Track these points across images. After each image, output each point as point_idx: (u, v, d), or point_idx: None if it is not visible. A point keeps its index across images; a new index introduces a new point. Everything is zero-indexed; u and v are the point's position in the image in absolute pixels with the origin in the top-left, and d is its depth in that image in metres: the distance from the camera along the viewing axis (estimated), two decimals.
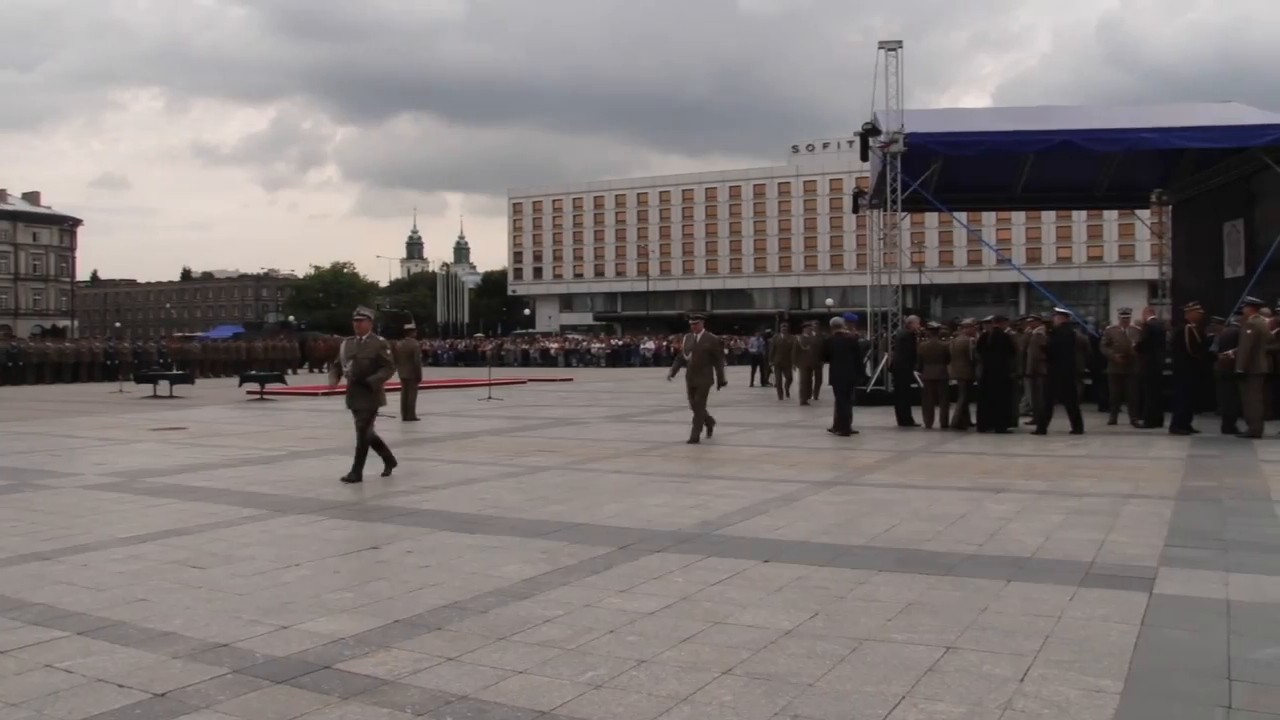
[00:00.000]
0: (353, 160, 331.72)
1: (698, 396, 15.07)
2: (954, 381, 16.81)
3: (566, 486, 10.76)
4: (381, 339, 11.89)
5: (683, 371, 15.42)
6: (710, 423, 15.39)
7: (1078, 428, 15.54)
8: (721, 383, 15.18)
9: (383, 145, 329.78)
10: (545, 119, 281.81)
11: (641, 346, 61.40)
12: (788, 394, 25.07)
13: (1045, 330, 16.38)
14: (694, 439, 14.89)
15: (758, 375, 32.18)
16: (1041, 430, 15.60)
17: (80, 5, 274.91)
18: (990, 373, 15.94)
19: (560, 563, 6.99)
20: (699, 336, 15.21)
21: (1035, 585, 6.21)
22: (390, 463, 11.71)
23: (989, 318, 16.79)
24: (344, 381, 11.47)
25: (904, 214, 23.69)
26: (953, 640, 5.11)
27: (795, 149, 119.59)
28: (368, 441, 11.35)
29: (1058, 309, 16.97)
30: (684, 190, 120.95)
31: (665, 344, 61.44)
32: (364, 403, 11.32)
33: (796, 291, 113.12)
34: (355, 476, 11.15)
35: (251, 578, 6.67)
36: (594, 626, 5.43)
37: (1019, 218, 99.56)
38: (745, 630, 5.33)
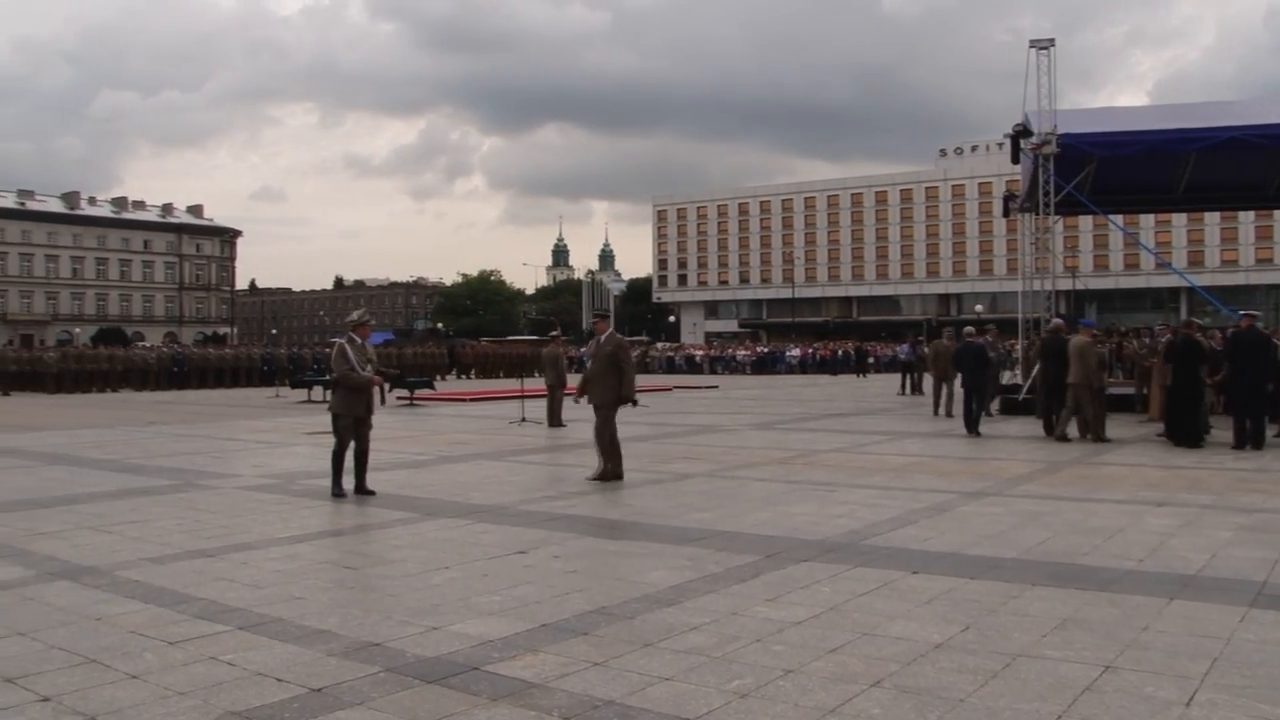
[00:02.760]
0: (499, 170, 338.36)
1: (599, 419, 11.83)
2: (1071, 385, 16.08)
3: (712, 494, 10.74)
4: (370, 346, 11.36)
5: None
6: (613, 458, 11.79)
7: (1256, 441, 14.49)
8: (628, 398, 11.97)
9: (528, 155, 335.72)
10: (688, 126, 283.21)
11: (787, 354, 61.03)
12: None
13: (1221, 336, 15.44)
14: (601, 475, 11.66)
15: (908, 383, 31.62)
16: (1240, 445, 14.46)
17: (237, 27, 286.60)
18: (1181, 382, 14.95)
19: (706, 570, 6.97)
20: (602, 338, 12.11)
21: (1200, 605, 5.94)
22: (338, 487, 10.73)
23: (1181, 323, 16.05)
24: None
25: (1057, 217, 23.06)
26: (1111, 659, 4.92)
27: (943, 152, 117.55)
28: (363, 450, 10.94)
29: (1244, 311, 16.14)
30: (829, 196, 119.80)
31: (811, 351, 60.98)
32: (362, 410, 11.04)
33: (944, 298, 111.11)
34: (359, 486, 10.76)
35: (402, 579, 6.81)
36: (740, 635, 5.39)
37: (1180, 219, 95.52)
38: (894, 642, 5.23)
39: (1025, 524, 8.69)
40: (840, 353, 58.46)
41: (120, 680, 4.78)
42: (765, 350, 64.70)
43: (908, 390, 31.12)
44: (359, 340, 11.01)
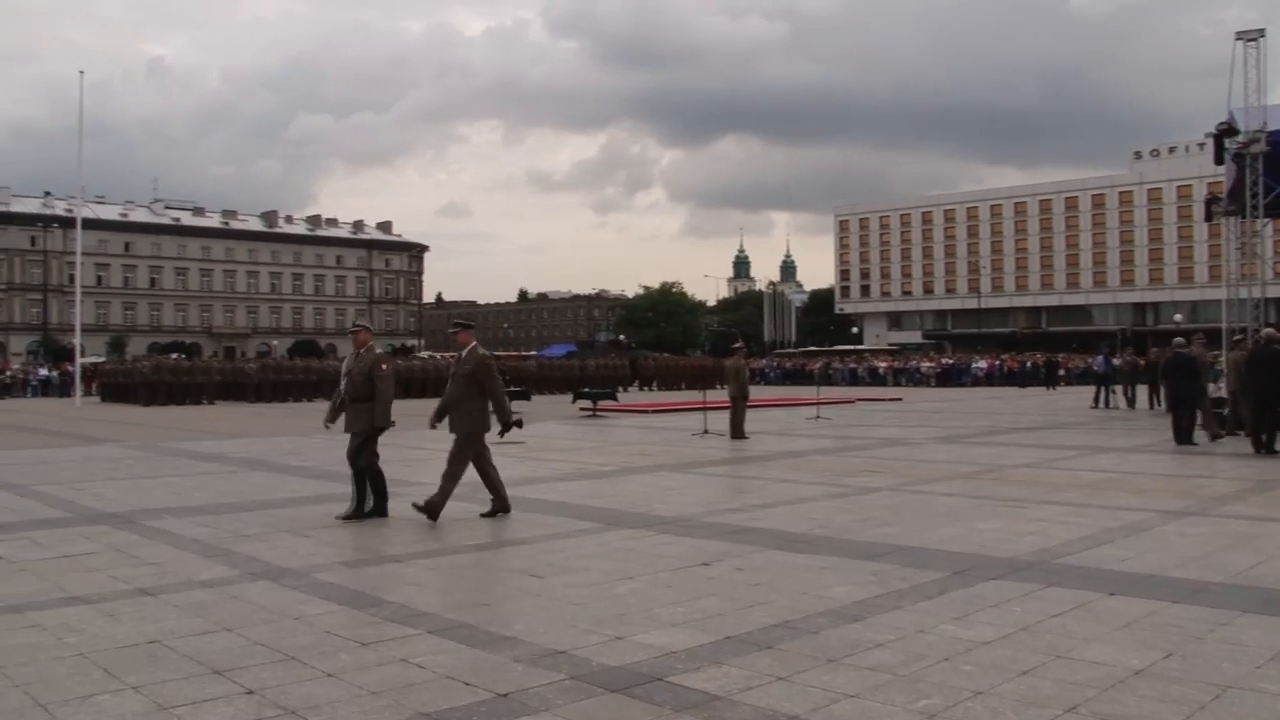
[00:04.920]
0: (679, 182, 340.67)
1: (455, 445, 10.06)
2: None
3: (896, 508, 10.54)
4: (380, 352, 10.30)
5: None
6: (448, 494, 9.85)
7: None
8: (504, 423, 10.15)
9: (708, 167, 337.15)
10: (869, 135, 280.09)
11: (973, 365, 59.53)
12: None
13: None
14: (429, 505, 9.72)
15: (1103, 395, 30.45)
16: None
17: (426, 49, 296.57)
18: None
19: (891, 586, 6.84)
20: (464, 353, 10.16)
21: None
22: (382, 497, 10.12)
23: None
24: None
25: (1265, 220, 21.88)
26: None
27: (1138, 155, 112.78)
28: (363, 470, 10.06)
29: None
30: (1016, 203, 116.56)
31: (998, 362, 59.36)
32: (360, 424, 10.08)
33: (1140, 307, 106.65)
34: (358, 512, 10.00)
35: (586, 588, 6.88)
36: (927, 653, 5.27)
37: None
38: (1089, 667, 5.02)
39: (1233, 546, 8.25)
40: (1029, 364, 56.77)
41: (317, 678, 4.97)
42: (950, 362, 63.25)
43: (1102, 403, 29.98)
44: (357, 350, 10.23)
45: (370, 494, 10.08)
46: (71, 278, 69.59)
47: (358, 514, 9.97)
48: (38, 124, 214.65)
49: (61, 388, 48.60)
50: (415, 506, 9.73)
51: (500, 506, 10.13)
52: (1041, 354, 62.82)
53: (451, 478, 9.87)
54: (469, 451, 10.00)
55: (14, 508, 11.05)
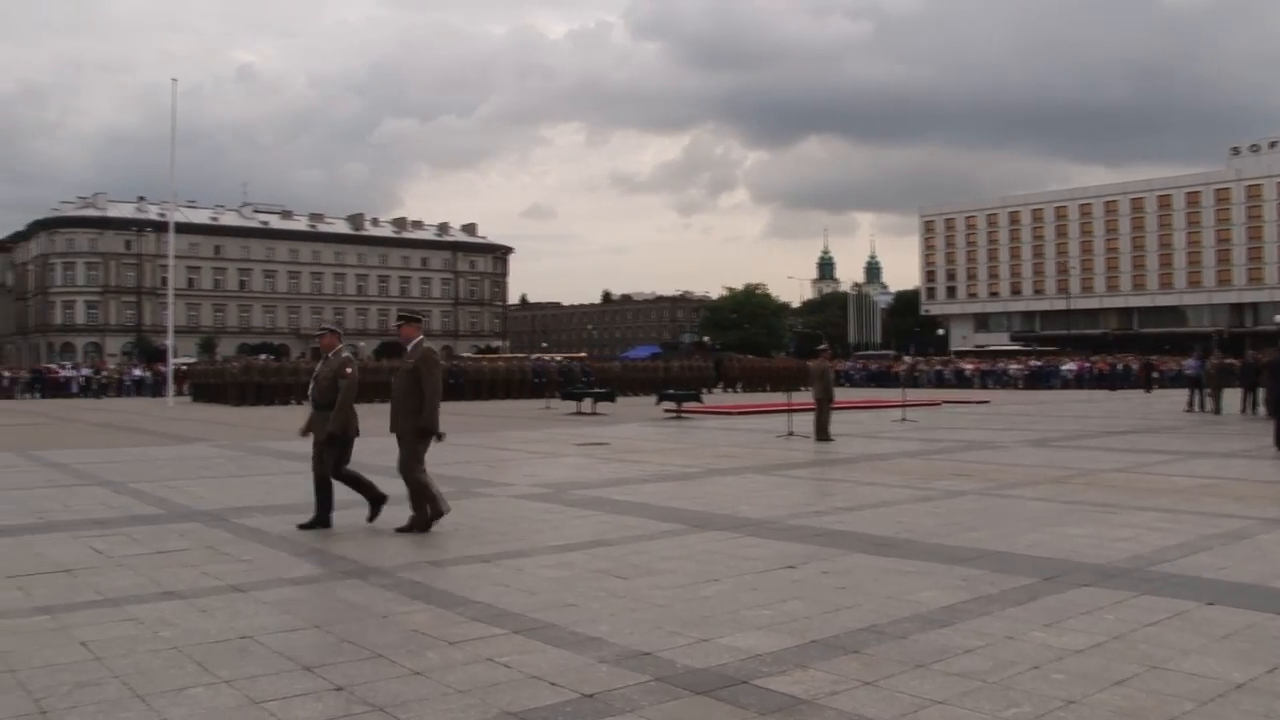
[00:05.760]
0: (763, 183, 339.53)
1: (402, 450, 9.42)
2: None
3: (984, 512, 10.39)
4: (346, 354, 9.73)
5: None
6: (423, 502, 9.36)
7: None
8: (428, 430, 9.29)
9: (791, 167, 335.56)
10: (954, 134, 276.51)
11: (1062, 368, 58.43)
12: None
13: None
14: (411, 524, 9.35)
15: (1197, 399, 29.73)
16: None
17: (508, 52, 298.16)
18: None
19: (980, 591, 6.74)
20: (409, 347, 9.56)
21: None
22: (377, 501, 9.68)
23: None
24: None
25: None
26: None
27: (1235, 151, 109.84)
28: (325, 478, 9.53)
29: None
30: (1106, 202, 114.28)
31: (1088, 364, 58.23)
32: (322, 431, 9.57)
33: (1237, 307, 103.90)
34: (320, 522, 9.52)
35: (671, 590, 6.88)
36: (1017, 661, 5.18)
37: None
38: (1187, 679, 4.90)
39: None
40: (1120, 366, 55.60)
41: (404, 675, 5.03)
42: (1039, 364, 62.13)
43: (1196, 407, 29.28)
44: (325, 354, 9.78)
45: (316, 503, 9.60)
46: (164, 280, 71.38)
47: (320, 522, 9.50)
48: (133, 131, 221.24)
49: (154, 388, 49.74)
50: (407, 529, 9.26)
51: (427, 519, 9.33)
52: (1134, 355, 61.47)
53: (418, 486, 9.29)
54: (411, 454, 9.32)
55: (111, 504, 11.35)
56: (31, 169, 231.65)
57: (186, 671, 5.11)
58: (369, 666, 5.18)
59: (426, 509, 9.29)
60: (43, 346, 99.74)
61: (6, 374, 52.06)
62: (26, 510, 10.88)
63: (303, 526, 9.51)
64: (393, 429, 9.49)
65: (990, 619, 6.03)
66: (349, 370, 9.51)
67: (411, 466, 9.29)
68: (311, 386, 9.67)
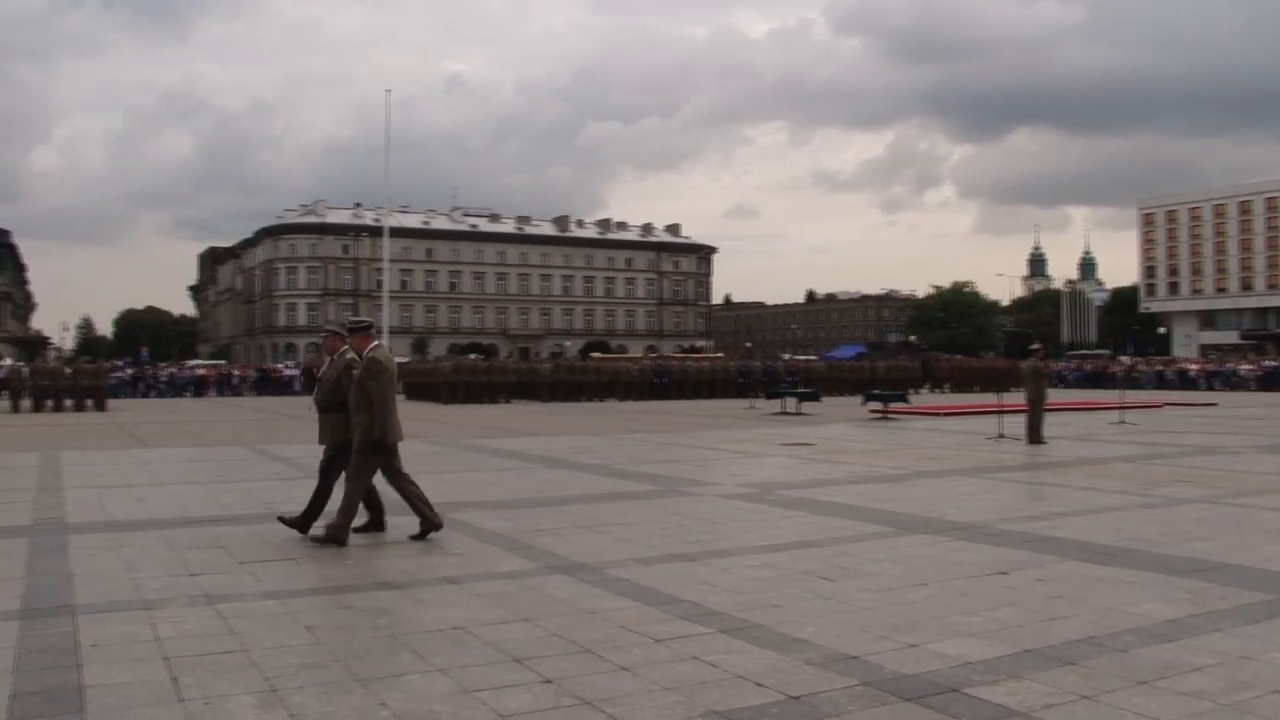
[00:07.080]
0: (970, 178, 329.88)
1: (353, 457, 8.93)
2: None
3: (1212, 522, 9.84)
4: (351, 356, 9.00)
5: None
6: (354, 514, 8.84)
7: None
8: (362, 437, 8.76)
9: (1000, 161, 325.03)
10: (1176, 122, 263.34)
11: None
12: None
13: None
14: (422, 531, 8.96)
15: None
16: None
17: (710, 53, 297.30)
18: None
19: (1209, 606, 6.37)
20: (363, 355, 8.94)
21: None
22: (378, 518, 9.28)
23: None
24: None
25: None
26: None
27: None
28: (329, 486, 9.14)
29: None
30: None
31: None
32: (326, 436, 9.23)
33: None
34: (301, 524, 9.01)
35: (879, 594, 6.76)
36: (1253, 682, 4.87)
37: None
38: None
39: None
40: None
41: (612, 671, 5.08)
42: (1274, 364, 58.57)
43: None
44: (329, 356, 9.33)
45: (309, 508, 9.07)
46: (379, 283, 74.22)
47: (298, 524, 9.00)
48: (351, 141, 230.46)
49: None
50: (415, 537, 8.89)
51: (305, 528, 8.97)
52: None
53: (352, 496, 8.82)
54: (371, 463, 8.92)
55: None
56: (258, 180, 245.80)
57: (402, 659, 5.30)
58: (577, 661, 5.26)
59: (427, 518, 8.95)
60: (268, 347, 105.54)
61: (236, 373, 55.30)
62: (253, 500, 11.50)
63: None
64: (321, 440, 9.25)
65: (1221, 635, 5.69)
66: (354, 372, 8.82)
67: (359, 478, 8.87)
68: (315, 390, 9.34)
